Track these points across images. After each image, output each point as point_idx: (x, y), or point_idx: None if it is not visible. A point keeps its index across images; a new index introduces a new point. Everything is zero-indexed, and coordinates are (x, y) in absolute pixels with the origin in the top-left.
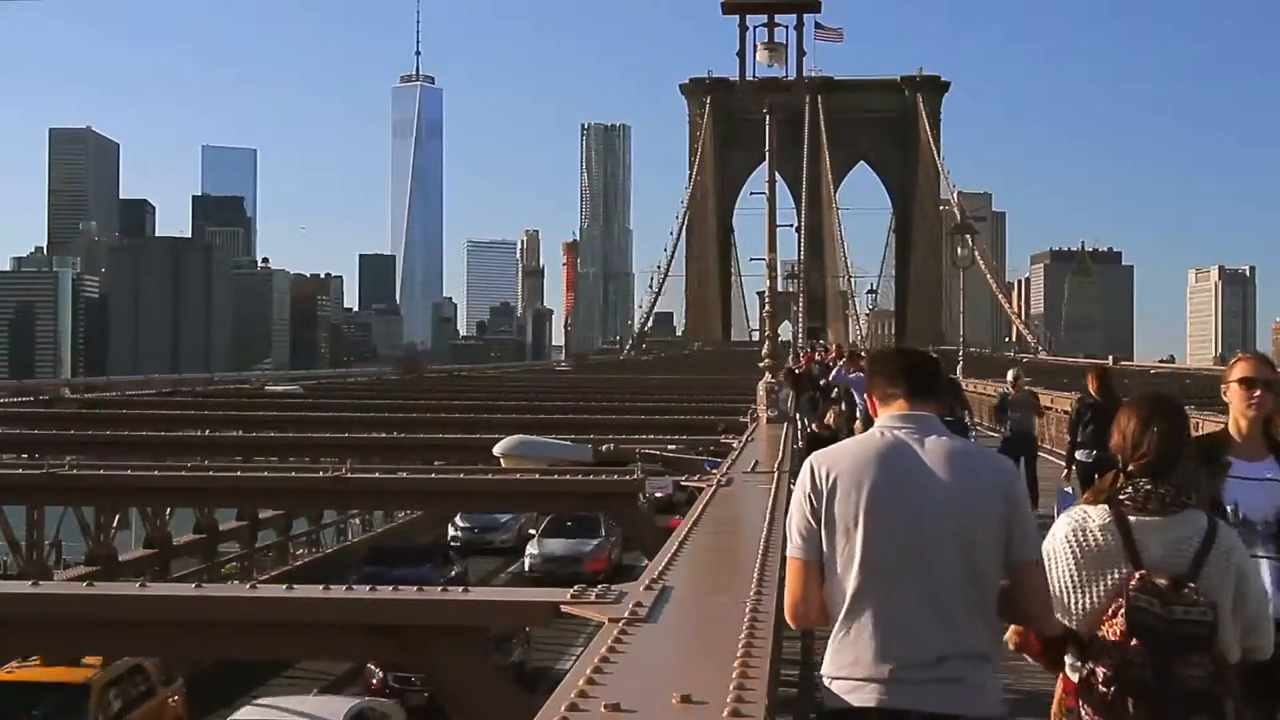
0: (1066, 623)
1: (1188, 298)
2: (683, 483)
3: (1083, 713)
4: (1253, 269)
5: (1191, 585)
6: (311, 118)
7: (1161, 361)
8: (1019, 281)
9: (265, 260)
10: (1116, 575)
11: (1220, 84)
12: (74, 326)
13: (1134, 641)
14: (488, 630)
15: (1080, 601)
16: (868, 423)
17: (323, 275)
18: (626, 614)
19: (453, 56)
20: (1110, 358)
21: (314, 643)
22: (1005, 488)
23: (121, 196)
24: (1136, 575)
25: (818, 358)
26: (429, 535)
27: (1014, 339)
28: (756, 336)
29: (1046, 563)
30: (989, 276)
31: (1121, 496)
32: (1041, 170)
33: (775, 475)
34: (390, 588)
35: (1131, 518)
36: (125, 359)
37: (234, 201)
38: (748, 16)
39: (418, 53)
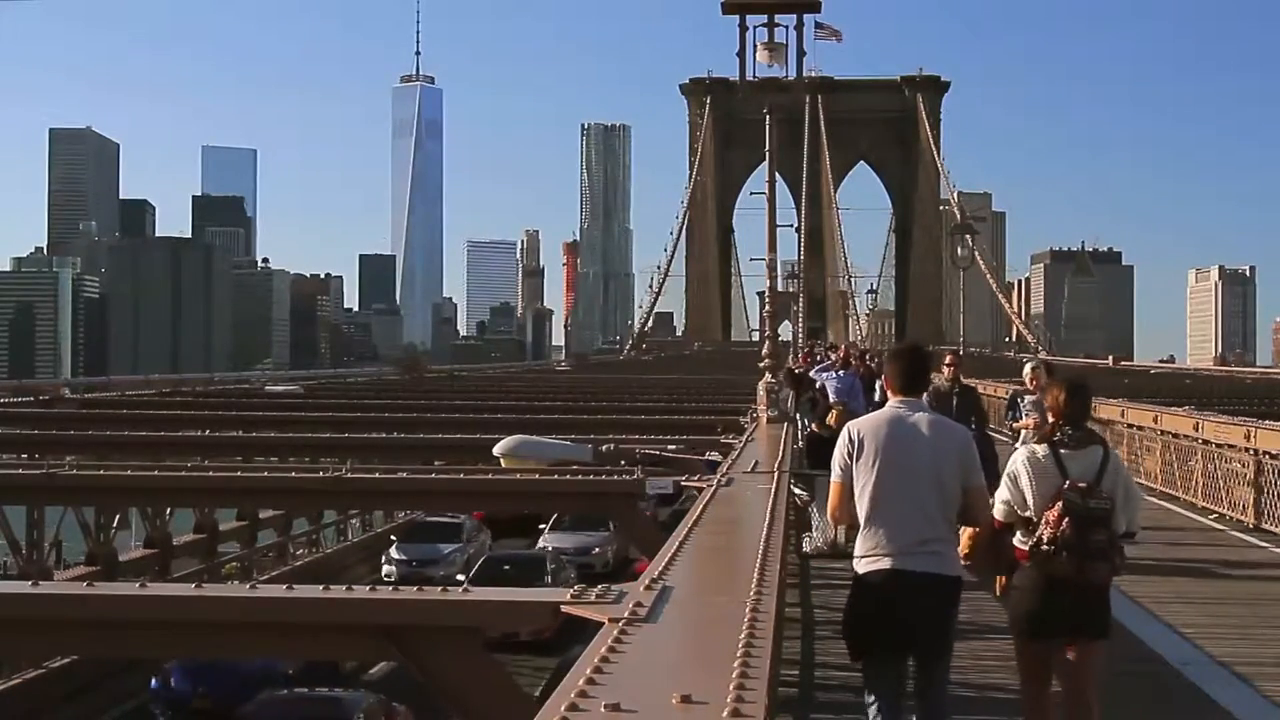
0: (1023, 513)
1: (1188, 298)
2: (683, 483)
3: (1039, 565)
4: (1253, 269)
5: (1099, 488)
6: (311, 118)
7: (1161, 361)
8: (1019, 281)
9: (265, 260)
10: (1054, 484)
11: (1221, 84)
12: (74, 326)
13: (1066, 521)
14: (485, 631)
15: (1033, 498)
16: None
17: (323, 275)
18: (626, 614)
19: (453, 56)
20: (1110, 358)
21: (314, 643)
22: (960, 442)
23: (121, 196)
24: (1067, 483)
25: (818, 357)
26: (365, 567)
27: (1014, 339)
28: (756, 336)
29: (1013, 476)
30: (989, 276)
31: (1055, 438)
32: (1041, 170)
33: (775, 475)
34: (390, 588)
35: (1061, 450)
36: (125, 359)
37: (234, 201)
38: (748, 16)
39: (418, 53)
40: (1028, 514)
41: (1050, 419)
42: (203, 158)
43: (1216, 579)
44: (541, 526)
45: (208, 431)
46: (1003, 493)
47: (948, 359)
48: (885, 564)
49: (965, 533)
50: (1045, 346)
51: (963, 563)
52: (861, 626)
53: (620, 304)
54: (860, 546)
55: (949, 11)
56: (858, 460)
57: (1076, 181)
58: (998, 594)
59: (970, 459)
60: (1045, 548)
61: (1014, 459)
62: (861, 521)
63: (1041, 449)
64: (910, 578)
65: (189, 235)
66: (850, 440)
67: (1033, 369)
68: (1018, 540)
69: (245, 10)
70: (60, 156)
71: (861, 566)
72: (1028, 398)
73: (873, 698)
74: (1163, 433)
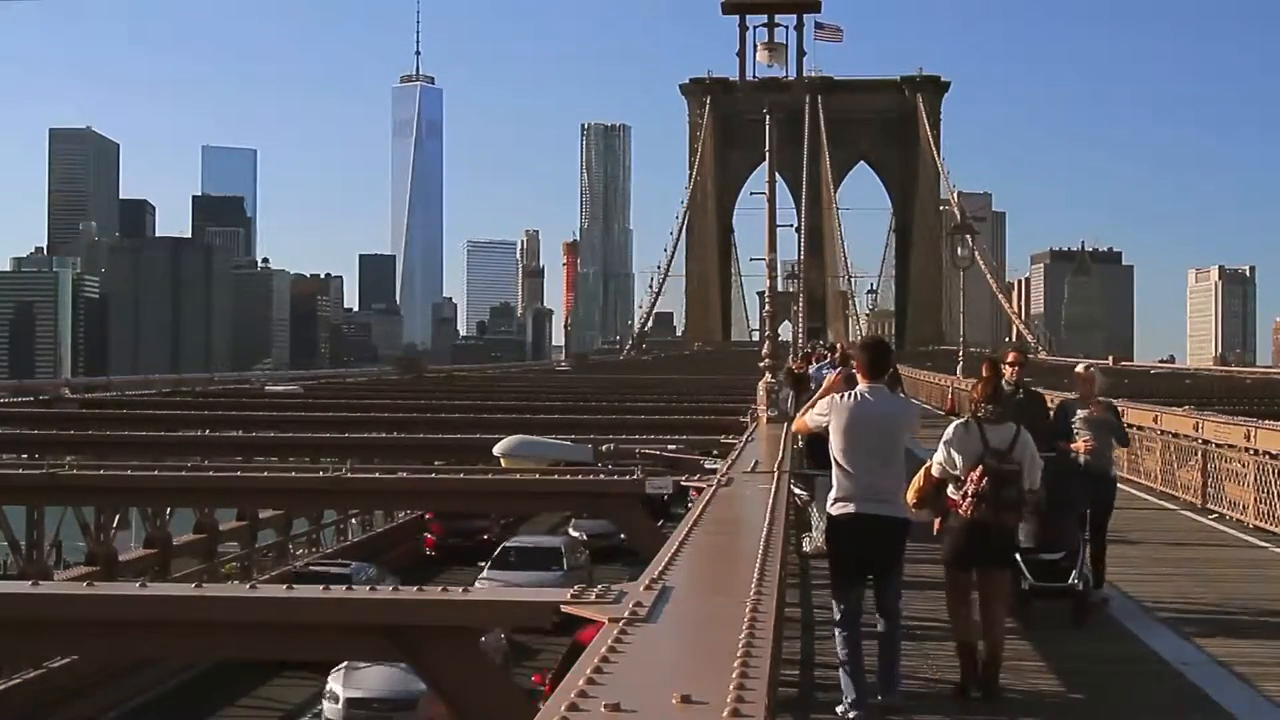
0: (953, 472)
1: (1188, 298)
2: (683, 483)
3: (963, 512)
4: (1253, 269)
5: (1011, 455)
6: (311, 118)
7: (1161, 361)
8: (1019, 281)
9: (265, 260)
10: (977, 450)
11: (1221, 84)
12: (74, 326)
13: (985, 480)
14: (485, 631)
15: (960, 461)
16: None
17: (323, 275)
18: (626, 614)
19: (453, 56)
20: (1110, 358)
21: (313, 643)
22: (909, 418)
23: (121, 196)
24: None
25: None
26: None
27: (1014, 339)
28: (756, 336)
29: (946, 443)
30: (989, 276)
31: (979, 415)
32: (1041, 170)
33: (775, 475)
34: (390, 588)
35: (985, 425)
36: (125, 359)
37: (234, 201)
38: (748, 16)
39: (418, 53)
40: (956, 473)
41: (974, 399)
42: (203, 158)
43: (1216, 579)
44: (482, 564)
45: (208, 431)
46: (938, 455)
47: (1010, 357)
48: (850, 508)
49: (912, 486)
50: (1045, 347)
51: (911, 508)
52: (835, 554)
53: (620, 304)
54: (832, 495)
55: (949, 11)
56: (834, 425)
57: (1076, 181)
58: (935, 532)
59: (916, 432)
60: (969, 499)
61: (948, 430)
62: (834, 474)
63: (971, 423)
64: (866, 520)
65: (189, 235)
66: (833, 409)
67: (1087, 369)
68: (950, 492)
69: (245, 10)
70: (60, 156)
71: (833, 510)
72: (1080, 412)
73: (842, 606)
74: (1163, 433)
